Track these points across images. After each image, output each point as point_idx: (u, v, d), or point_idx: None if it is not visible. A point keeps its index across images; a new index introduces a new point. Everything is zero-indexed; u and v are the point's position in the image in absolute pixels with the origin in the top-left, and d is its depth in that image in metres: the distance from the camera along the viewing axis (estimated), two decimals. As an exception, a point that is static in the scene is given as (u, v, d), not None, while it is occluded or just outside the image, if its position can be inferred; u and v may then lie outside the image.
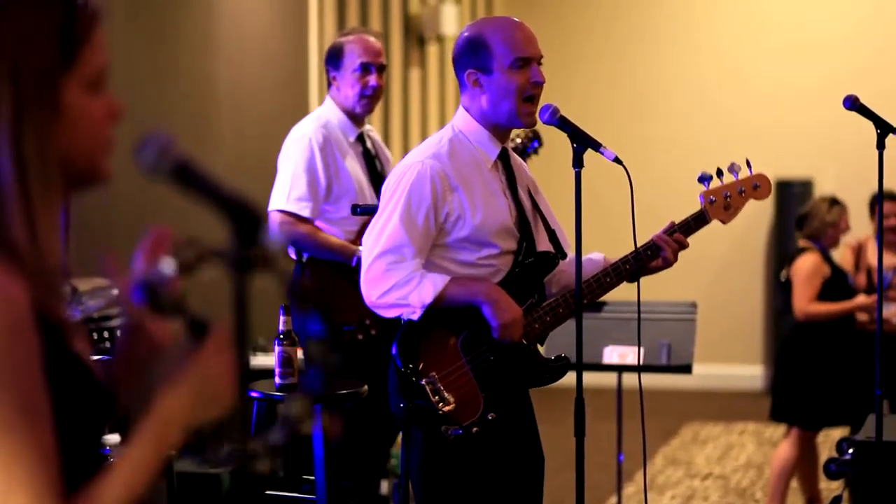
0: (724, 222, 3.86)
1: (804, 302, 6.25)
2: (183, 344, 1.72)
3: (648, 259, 3.74)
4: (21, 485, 1.52)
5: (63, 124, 1.64)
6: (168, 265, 1.68)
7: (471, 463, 3.57)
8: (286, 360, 4.23)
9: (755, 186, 3.91)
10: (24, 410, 1.53)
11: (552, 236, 3.73)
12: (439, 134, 3.68)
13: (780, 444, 6.62)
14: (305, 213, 4.85)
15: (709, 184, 3.84)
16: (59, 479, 1.55)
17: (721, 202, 3.85)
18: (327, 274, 4.83)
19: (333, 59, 5.01)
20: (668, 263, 3.74)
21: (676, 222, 3.80)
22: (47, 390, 1.56)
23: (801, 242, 6.43)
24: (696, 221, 3.82)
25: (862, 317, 6.54)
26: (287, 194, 4.87)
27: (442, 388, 3.53)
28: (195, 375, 1.68)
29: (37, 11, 1.64)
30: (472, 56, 3.60)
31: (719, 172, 3.86)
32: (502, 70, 3.57)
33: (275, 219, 4.81)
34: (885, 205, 7.00)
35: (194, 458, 1.71)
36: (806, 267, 6.30)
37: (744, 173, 3.89)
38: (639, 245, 3.73)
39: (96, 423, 1.68)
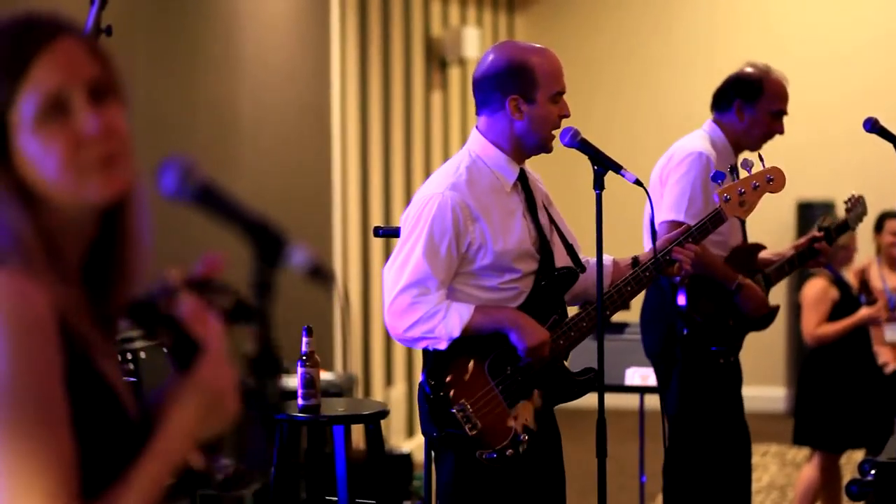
0: (740, 219, 3.84)
1: (811, 326, 6.29)
2: (174, 359, 1.68)
3: (666, 264, 3.73)
4: (33, 485, 1.49)
5: (18, 162, 1.57)
6: (170, 281, 1.65)
7: (502, 485, 3.57)
8: (308, 382, 4.24)
9: (769, 180, 3.89)
10: (39, 410, 1.50)
11: (570, 249, 3.74)
12: (456, 160, 3.66)
13: (803, 466, 6.61)
14: None
15: (722, 182, 3.85)
16: (74, 483, 1.52)
17: (736, 199, 3.84)
18: (704, 294, 4.63)
19: (750, 91, 4.78)
20: (685, 271, 3.74)
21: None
22: (66, 396, 1.53)
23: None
24: (713, 221, 3.83)
25: (884, 357, 6.53)
26: (685, 208, 4.57)
27: (473, 414, 3.54)
28: (199, 387, 1.65)
29: None
30: (517, 81, 3.58)
31: (732, 169, 3.86)
32: (544, 101, 3.59)
33: (663, 230, 4.41)
34: (887, 223, 6.96)
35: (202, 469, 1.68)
36: (813, 292, 6.36)
37: (756, 167, 3.89)
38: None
39: (117, 444, 1.63)
